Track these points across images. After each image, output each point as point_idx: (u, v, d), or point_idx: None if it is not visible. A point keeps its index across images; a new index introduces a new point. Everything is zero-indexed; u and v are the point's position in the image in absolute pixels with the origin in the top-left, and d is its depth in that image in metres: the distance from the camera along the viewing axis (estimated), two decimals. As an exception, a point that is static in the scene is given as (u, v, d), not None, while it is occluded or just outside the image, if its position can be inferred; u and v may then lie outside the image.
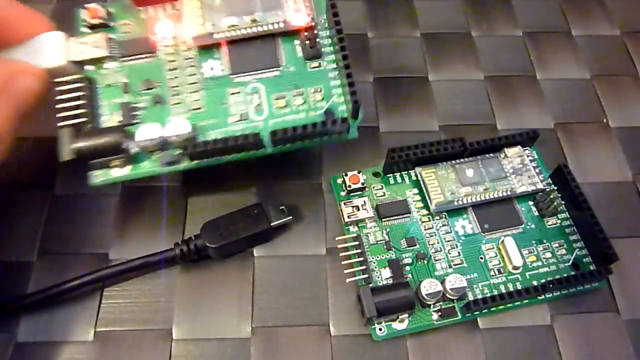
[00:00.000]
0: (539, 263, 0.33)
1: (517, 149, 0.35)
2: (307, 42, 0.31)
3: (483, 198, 0.33)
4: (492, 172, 0.34)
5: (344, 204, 0.33)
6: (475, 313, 0.32)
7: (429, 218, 0.34)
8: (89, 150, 0.28)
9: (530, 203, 0.35)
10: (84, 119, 0.29)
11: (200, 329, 0.31)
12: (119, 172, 0.29)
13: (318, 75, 0.31)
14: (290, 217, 0.33)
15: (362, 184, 0.34)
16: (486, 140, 0.34)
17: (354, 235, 0.33)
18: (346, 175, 0.34)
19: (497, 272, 0.33)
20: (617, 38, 0.45)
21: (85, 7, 0.32)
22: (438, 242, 0.33)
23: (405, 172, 0.35)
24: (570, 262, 0.33)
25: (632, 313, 0.33)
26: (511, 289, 0.32)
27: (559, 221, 0.34)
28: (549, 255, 0.33)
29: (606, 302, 0.33)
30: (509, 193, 0.34)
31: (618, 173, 0.38)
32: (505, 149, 0.35)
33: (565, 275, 0.32)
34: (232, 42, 0.31)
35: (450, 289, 0.31)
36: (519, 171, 0.34)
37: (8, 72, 0.28)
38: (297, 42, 0.32)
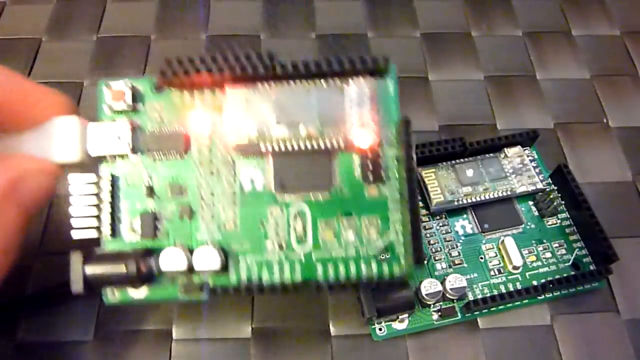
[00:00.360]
0: (539, 263, 0.33)
1: (517, 149, 0.35)
2: (368, 162, 0.26)
3: (483, 198, 0.33)
4: (492, 172, 0.34)
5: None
6: (475, 313, 0.32)
7: (428, 218, 0.34)
8: (103, 279, 0.24)
9: (530, 203, 0.35)
10: (96, 233, 0.25)
11: (200, 329, 0.31)
12: (136, 294, 0.25)
13: (376, 206, 0.26)
14: None
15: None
16: (486, 140, 0.34)
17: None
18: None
19: (497, 272, 0.33)
20: (617, 38, 0.45)
21: (109, 85, 0.26)
22: (438, 242, 0.33)
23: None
24: (570, 262, 0.33)
25: (632, 313, 0.33)
26: (511, 288, 0.32)
27: (559, 221, 0.34)
28: (549, 255, 0.33)
29: (606, 302, 0.33)
30: (509, 193, 0.34)
31: (618, 173, 0.38)
32: (505, 149, 0.35)
33: (565, 275, 0.32)
34: (281, 157, 0.26)
35: (450, 289, 0.31)
36: (519, 171, 0.34)
37: (18, 172, 0.24)
38: (356, 160, 0.26)
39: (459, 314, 0.32)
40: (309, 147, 0.26)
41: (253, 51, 0.25)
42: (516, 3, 0.46)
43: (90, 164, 0.26)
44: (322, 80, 0.26)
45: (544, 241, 0.34)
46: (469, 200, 0.33)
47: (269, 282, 0.25)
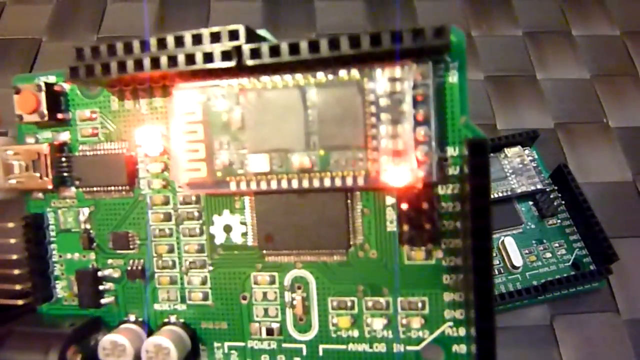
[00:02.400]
0: (539, 263, 0.33)
1: (517, 149, 0.35)
2: (410, 212, 0.18)
3: (483, 198, 0.33)
4: (492, 172, 0.34)
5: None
6: (476, 313, 0.32)
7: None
8: None
9: (530, 203, 0.35)
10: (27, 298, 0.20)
11: None
12: None
13: (422, 276, 0.18)
14: None
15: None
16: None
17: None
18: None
19: (497, 272, 0.33)
20: (617, 38, 0.44)
21: (17, 87, 0.21)
22: (438, 242, 0.33)
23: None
24: (571, 262, 0.33)
25: (632, 313, 0.33)
26: (511, 288, 0.32)
27: (559, 221, 0.34)
28: (549, 255, 0.33)
29: (606, 302, 0.33)
30: (509, 193, 0.34)
31: (618, 173, 0.38)
32: (505, 149, 0.35)
33: (565, 275, 0.32)
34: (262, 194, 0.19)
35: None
36: (519, 171, 0.34)
37: None
38: (389, 204, 0.18)
39: (459, 314, 0.32)
40: (306, 184, 0.18)
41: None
42: (516, 3, 0.46)
43: (16, 198, 0.21)
44: (326, 73, 0.17)
45: (544, 241, 0.34)
46: (469, 201, 0.33)
47: None
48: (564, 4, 0.46)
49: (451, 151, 0.18)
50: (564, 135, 0.39)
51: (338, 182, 0.17)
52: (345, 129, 0.17)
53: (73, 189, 0.20)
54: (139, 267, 0.19)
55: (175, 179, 0.19)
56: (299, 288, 0.18)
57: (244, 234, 0.19)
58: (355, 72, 0.17)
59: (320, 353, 0.17)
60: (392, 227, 0.17)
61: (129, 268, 0.20)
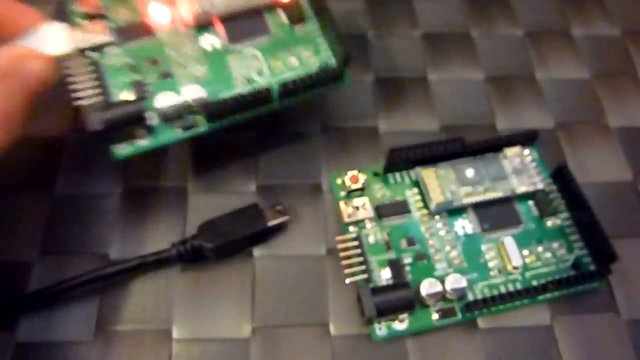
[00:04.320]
0: (539, 263, 0.33)
1: (517, 149, 0.35)
2: (293, 11, 0.34)
3: (483, 198, 0.33)
4: (492, 172, 0.34)
5: (344, 203, 0.33)
6: (476, 313, 0.32)
7: (428, 218, 0.34)
8: (115, 119, 0.29)
9: (530, 203, 0.35)
10: (98, 98, 0.30)
11: (200, 329, 0.31)
12: (142, 142, 0.30)
13: (306, 38, 0.33)
14: (288, 217, 0.33)
15: (362, 184, 0.34)
16: (486, 140, 0.34)
17: (354, 235, 0.33)
18: (346, 175, 0.34)
19: (497, 272, 0.33)
20: (617, 38, 0.45)
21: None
22: (438, 242, 0.33)
23: (406, 172, 0.35)
24: (571, 262, 0.33)
25: (632, 313, 0.33)
26: (511, 289, 0.32)
27: (559, 221, 0.34)
28: (549, 255, 0.33)
29: (606, 302, 0.33)
30: (509, 193, 0.34)
31: (618, 173, 0.38)
32: (505, 148, 0.35)
33: (565, 275, 0.32)
34: (226, 19, 0.33)
35: (450, 289, 0.31)
36: (519, 171, 0.34)
37: (16, 56, 0.28)
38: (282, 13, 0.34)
39: (459, 314, 0.32)
40: (247, 6, 0.33)
41: None
42: (516, 3, 0.46)
43: (79, 56, 0.31)
44: None
45: (544, 241, 0.34)
46: (469, 201, 0.33)
47: (233, 99, 0.30)
48: (564, 4, 0.46)
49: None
50: (564, 135, 0.39)
51: (262, 3, 0.35)
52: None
53: (116, 48, 0.32)
54: (167, 71, 0.32)
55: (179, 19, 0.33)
56: (255, 58, 0.33)
57: (221, 42, 0.34)
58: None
59: (273, 82, 0.32)
60: (285, 19, 0.34)
61: (161, 74, 0.32)
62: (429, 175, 0.34)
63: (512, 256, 0.32)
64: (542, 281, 0.32)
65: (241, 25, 0.33)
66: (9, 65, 0.27)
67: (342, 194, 0.35)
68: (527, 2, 0.46)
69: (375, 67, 0.42)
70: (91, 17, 0.32)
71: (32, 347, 0.31)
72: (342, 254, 0.32)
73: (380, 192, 0.35)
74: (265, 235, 0.34)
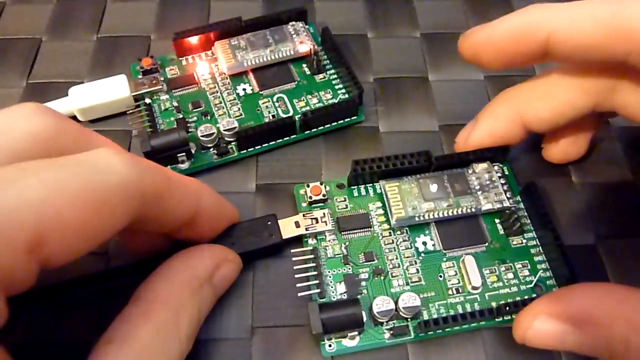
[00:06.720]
0: (500, 284, 0.32)
1: (486, 165, 0.34)
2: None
3: (445, 214, 0.33)
4: (457, 187, 0.33)
5: (303, 215, 0.33)
6: (429, 333, 0.31)
7: (389, 233, 0.33)
8: (161, 145, 0.34)
9: (497, 221, 0.33)
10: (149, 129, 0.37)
11: (199, 328, 0.31)
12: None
13: (325, 83, 0.39)
14: (306, 232, 0.33)
15: (324, 195, 0.34)
16: (453, 154, 0.33)
17: (311, 248, 0.33)
18: (308, 186, 0.34)
19: (455, 292, 0.32)
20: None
21: (139, 59, 0.39)
22: (397, 258, 0.33)
23: (370, 184, 0.35)
24: (533, 283, 0.32)
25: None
26: (469, 309, 0.31)
27: (524, 241, 0.33)
28: (510, 275, 0.32)
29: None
30: (473, 210, 0.33)
31: (618, 173, 0.37)
32: (473, 164, 0.34)
33: (526, 297, 0.31)
34: (256, 70, 0.40)
35: (403, 308, 0.30)
36: (486, 188, 0.33)
37: (218, 259, 0.29)
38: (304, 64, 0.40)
39: (412, 333, 0.31)
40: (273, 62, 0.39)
41: None
42: (516, 3, 0.45)
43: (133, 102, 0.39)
44: None
45: (507, 261, 0.32)
46: (431, 216, 0.32)
47: (261, 126, 0.36)
48: (564, 5, 0.44)
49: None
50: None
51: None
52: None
53: (165, 95, 0.39)
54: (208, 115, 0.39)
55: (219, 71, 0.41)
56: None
57: (252, 89, 0.40)
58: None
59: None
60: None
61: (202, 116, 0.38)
62: (392, 189, 0.33)
63: (471, 276, 0.31)
64: (501, 302, 0.31)
65: (270, 74, 0.39)
66: (213, 269, 0.28)
67: (304, 204, 0.34)
68: (527, 2, 0.44)
69: (375, 67, 0.42)
70: (146, 72, 0.39)
71: (32, 347, 0.31)
72: (295, 267, 0.32)
73: (343, 204, 0.34)
74: (279, 248, 0.33)
